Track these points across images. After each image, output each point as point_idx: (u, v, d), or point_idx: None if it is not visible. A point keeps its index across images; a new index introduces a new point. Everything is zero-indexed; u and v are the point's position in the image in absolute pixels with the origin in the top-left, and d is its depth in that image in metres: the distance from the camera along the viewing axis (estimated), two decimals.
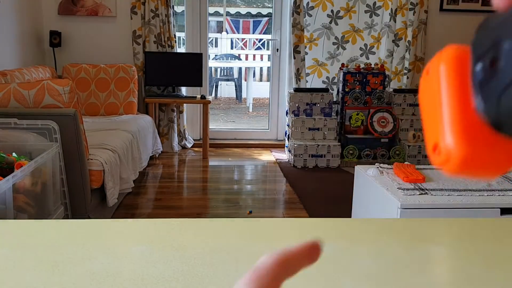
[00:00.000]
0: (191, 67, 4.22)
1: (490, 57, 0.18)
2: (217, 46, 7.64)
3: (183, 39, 4.66)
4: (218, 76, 7.65)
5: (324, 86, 4.49)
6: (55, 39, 4.10)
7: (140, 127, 3.54)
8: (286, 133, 4.37)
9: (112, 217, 2.72)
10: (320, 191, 3.35)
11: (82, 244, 0.70)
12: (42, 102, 2.28)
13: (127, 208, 2.95)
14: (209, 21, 4.61)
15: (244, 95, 7.57)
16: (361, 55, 4.51)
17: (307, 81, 4.47)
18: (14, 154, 1.97)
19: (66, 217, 2.32)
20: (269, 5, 6.91)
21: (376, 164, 2.15)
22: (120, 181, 2.78)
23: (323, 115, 4.08)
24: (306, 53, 4.42)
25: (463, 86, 0.20)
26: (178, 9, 4.61)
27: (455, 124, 0.19)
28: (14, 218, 1.78)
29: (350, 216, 2.33)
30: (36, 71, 3.49)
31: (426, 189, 1.83)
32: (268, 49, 6.72)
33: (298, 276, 0.62)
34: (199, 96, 4.19)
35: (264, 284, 0.26)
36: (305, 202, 3.10)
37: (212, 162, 4.13)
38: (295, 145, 3.93)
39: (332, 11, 4.41)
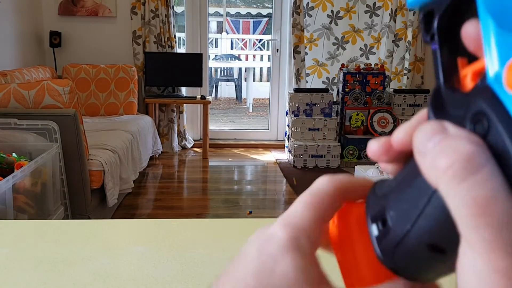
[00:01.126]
0: (191, 68, 4.22)
1: (381, 220, 0.23)
2: (217, 47, 7.65)
3: (183, 39, 4.66)
4: (218, 77, 7.65)
5: (324, 86, 4.49)
6: (55, 39, 4.10)
7: (140, 127, 3.54)
8: (286, 134, 4.37)
9: (112, 217, 2.72)
10: None
11: (82, 244, 0.70)
12: (42, 102, 2.28)
13: (127, 208, 2.95)
14: (209, 22, 4.61)
15: (244, 95, 7.57)
16: (361, 55, 4.51)
17: (307, 82, 4.47)
18: (14, 154, 1.97)
19: (66, 217, 2.32)
20: (269, 6, 6.91)
21: (376, 164, 2.15)
22: (120, 182, 2.78)
23: (323, 116, 4.08)
24: (306, 54, 4.42)
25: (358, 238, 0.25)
26: (178, 9, 4.61)
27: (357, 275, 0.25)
28: (14, 219, 1.78)
29: None
30: (36, 71, 3.49)
31: None
32: (268, 49, 6.73)
33: None
34: (199, 96, 4.19)
35: (322, 208, 0.25)
36: None
37: (212, 162, 4.13)
38: (295, 146, 3.93)
39: (332, 11, 4.41)
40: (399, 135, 0.22)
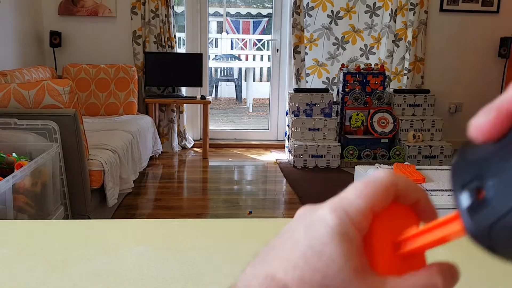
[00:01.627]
0: (191, 68, 4.22)
1: (474, 188, 0.21)
2: (217, 47, 7.64)
3: (183, 39, 4.66)
4: (218, 77, 7.65)
5: (324, 86, 4.49)
6: (55, 39, 4.10)
7: (140, 127, 3.54)
8: (286, 134, 4.37)
9: (112, 218, 2.72)
10: (320, 191, 3.35)
11: (82, 244, 0.70)
12: (42, 102, 2.28)
13: (127, 208, 2.94)
14: (209, 22, 4.61)
15: (244, 95, 7.57)
16: (361, 55, 4.51)
17: (307, 82, 4.47)
18: (14, 154, 1.97)
19: (66, 217, 2.32)
20: (269, 6, 6.91)
21: (376, 164, 2.15)
22: (120, 181, 2.78)
23: (323, 116, 4.08)
24: (306, 54, 4.42)
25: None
26: (178, 9, 4.61)
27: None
28: (14, 218, 1.78)
29: None
30: (36, 71, 3.49)
31: (426, 189, 1.83)
32: (268, 49, 6.72)
33: None
34: (199, 96, 4.19)
35: (374, 199, 0.25)
36: (305, 202, 3.10)
37: (212, 162, 4.13)
38: (295, 146, 3.93)
39: (332, 11, 4.41)
40: None
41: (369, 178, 0.26)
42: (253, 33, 7.73)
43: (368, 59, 4.50)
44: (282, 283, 0.25)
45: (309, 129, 4.06)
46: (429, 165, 3.79)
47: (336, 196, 0.27)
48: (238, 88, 7.47)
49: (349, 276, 0.24)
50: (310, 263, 0.24)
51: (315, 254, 0.24)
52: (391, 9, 4.35)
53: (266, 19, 7.49)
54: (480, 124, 0.22)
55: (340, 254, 0.24)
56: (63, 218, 2.28)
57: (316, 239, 0.25)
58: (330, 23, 4.43)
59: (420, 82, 4.50)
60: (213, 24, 7.77)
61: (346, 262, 0.24)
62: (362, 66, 4.21)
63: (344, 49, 4.48)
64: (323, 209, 0.26)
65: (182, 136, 4.48)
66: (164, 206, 3.01)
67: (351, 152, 4.02)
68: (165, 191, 3.31)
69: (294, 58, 4.32)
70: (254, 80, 7.65)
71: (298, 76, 4.34)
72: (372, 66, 4.21)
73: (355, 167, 2.44)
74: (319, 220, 0.25)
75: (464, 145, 0.23)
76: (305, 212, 0.28)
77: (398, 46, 4.42)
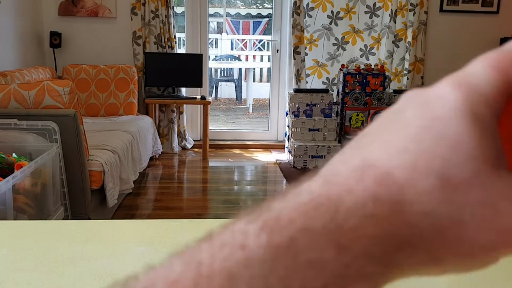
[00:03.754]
0: (191, 68, 4.22)
1: None
2: (217, 47, 7.65)
3: (183, 40, 4.66)
4: (218, 77, 7.66)
5: (324, 87, 4.49)
6: (55, 40, 4.10)
7: (140, 127, 3.54)
8: (286, 134, 4.37)
9: (112, 218, 2.72)
10: None
11: (82, 245, 0.70)
12: (42, 102, 2.28)
13: (127, 208, 2.94)
14: (209, 22, 4.61)
15: (244, 96, 7.57)
16: (361, 56, 4.51)
17: (307, 82, 4.47)
18: (14, 154, 1.97)
19: (66, 217, 2.32)
20: (269, 6, 6.91)
21: None
22: (120, 182, 2.78)
23: (323, 116, 4.08)
24: (306, 54, 4.42)
25: None
26: (178, 10, 4.61)
27: None
28: (14, 219, 1.78)
29: None
30: (36, 71, 3.49)
31: None
32: (268, 50, 6.72)
33: None
34: (199, 96, 4.19)
35: (510, 73, 0.19)
36: None
37: (212, 162, 4.13)
38: (295, 146, 3.93)
39: (332, 12, 4.41)
40: None
41: (501, 48, 0.20)
42: (253, 34, 7.73)
43: (368, 59, 4.50)
44: (384, 171, 0.18)
45: (309, 130, 4.06)
46: None
47: (458, 71, 0.21)
48: (238, 89, 7.48)
49: (482, 169, 0.18)
50: (426, 147, 0.18)
51: (434, 137, 0.18)
52: (391, 9, 4.35)
53: (266, 19, 7.49)
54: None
55: (470, 139, 0.18)
56: (63, 219, 2.28)
57: (434, 119, 0.19)
58: (330, 23, 4.43)
59: (420, 82, 4.50)
60: (213, 25, 7.77)
61: (479, 149, 0.18)
62: (362, 66, 4.21)
63: (344, 49, 4.48)
64: (439, 86, 0.20)
65: (182, 136, 4.48)
66: (164, 207, 3.01)
67: None
68: (165, 192, 3.30)
69: (294, 59, 4.32)
70: (254, 81, 7.66)
71: (298, 76, 4.34)
72: (372, 66, 4.21)
73: None
74: (437, 98, 0.19)
75: None
76: (414, 92, 0.21)
77: (398, 47, 4.42)
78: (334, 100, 4.19)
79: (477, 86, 0.19)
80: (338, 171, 0.20)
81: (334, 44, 4.47)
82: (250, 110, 7.18)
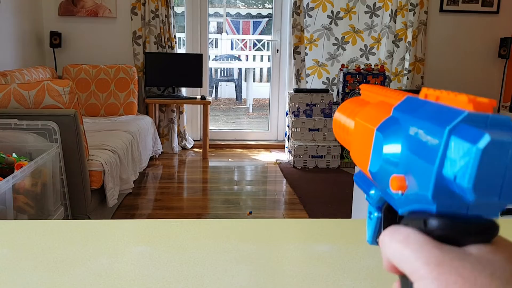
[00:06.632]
0: (191, 68, 4.22)
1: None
2: (217, 47, 7.64)
3: (183, 39, 4.66)
4: (218, 77, 7.66)
5: (324, 86, 4.49)
6: (55, 39, 4.10)
7: (140, 127, 3.54)
8: (286, 134, 4.37)
9: (112, 218, 2.72)
10: (320, 191, 3.35)
11: (82, 245, 0.70)
12: (42, 102, 2.28)
13: (127, 208, 2.94)
14: (209, 22, 4.61)
15: (244, 95, 7.57)
16: (361, 56, 4.51)
17: (307, 82, 4.47)
18: (14, 154, 1.97)
19: (66, 217, 2.32)
20: (269, 6, 6.91)
21: None
22: (120, 182, 2.78)
23: (323, 116, 4.08)
24: (306, 54, 4.42)
25: None
26: (178, 9, 4.61)
27: None
28: (14, 219, 1.78)
29: (350, 217, 2.33)
30: (36, 71, 3.49)
31: None
32: (268, 50, 6.72)
33: (297, 276, 0.62)
34: (199, 96, 4.19)
35: None
36: (305, 202, 3.10)
37: (212, 162, 4.13)
38: (295, 146, 3.93)
39: (332, 12, 4.41)
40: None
41: None
42: (253, 34, 7.73)
43: (368, 59, 4.51)
44: None
45: (309, 130, 4.06)
46: None
47: None
48: (238, 89, 7.48)
49: None
50: None
51: None
52: (391, 9, 4.35)
53: (266, 19, 7.49)
54: None
55: None
56: (63, 219, 2.28)
57: None
58: (330, 23, 4.43)
59: (420, 82, 4.50)
60: (213, 25, 7.77)
61: None
62: (362, 66, 4.21)
63: (344, 49, 4.48)
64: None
65: (182, 136, 4.48)
66: (164, 207, 3.01)
67: None
68: (165, 192, 3.31)
69: (294, 59, 4.32)
70: (254, 81, 7.66)
71: (298, 76, 4.34)
72: (372, 66, 4.21)
73: (355, 167, 2.44)
74: None
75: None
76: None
77: (398, 47, 4.42)
78: (334, 100, 4.19)
79: None
80: None
81: (334, 44, 4.47)
82: (250, 110, 7.18)
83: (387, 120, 0.27)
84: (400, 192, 0.25)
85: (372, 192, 0.31)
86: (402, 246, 0.23)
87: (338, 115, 0.37)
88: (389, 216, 0.30)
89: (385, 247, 0.25)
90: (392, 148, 0.26)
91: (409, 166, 0.24)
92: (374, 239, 0.31)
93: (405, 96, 0.28)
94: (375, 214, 0.30)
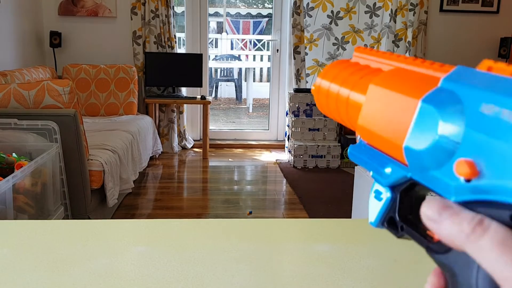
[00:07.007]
0: (191, 68, 4.22)
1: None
2: (217, 47, 7.65)
3: (183, 39, 4.66)
4: (218, 77, 7.66)
5: None
6: (55, 39, 4.10)
7: (140, 127, 3.54)
8: (286, 134, 4.37)
9: (112, 218, 2.72)
10: (320, 191, 3.35)
11: (82, 245, 0.70)
12: (42, 102, 2.28)
13: (127, 208, 2.95)
14: (209, 22, 4.61)
15: (244, 95, 7.57)
16: None
17: (307, 82, 4.47)
18: (14, 154, 1.97)
19: (66, 217, 2.32)
20: (269, 6, 6.91)
21: None
22: (120, 182, 2.78)
23: (323, 116, 4.08)
24: (306, 54, 4.42)
25: None
26: (178, 9, 4.61)
27: None
28: (14, 219, 1.78)
29: (350, 217, 2.33)
30: (36, 71, 3.49)
31: None
32: (268, 49, 6.72)
33: (297, 276, 0.62)
34: (199, 96, 4.19)
35: None
36: (305, 202, 3.10)
37: (212, 162, 4.13)
38: (295, 146, 3.93)
39: (332, 11, 4.41)
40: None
41: None
42: (253, 34, 7.73)
43: None
44: None
45: (309, 129, 4.06)
46: None
47: None
48: (238, 88, 7.48)
49: None
50: None
51: None
52: (391, 9, 4.35)
53: (266, 19, 7.49)
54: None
55: None
56: (63, 218, 2.28)
57: None
58: (330, 23, 4.43)
59: None
60: (213, 24, 7.77)
61: None
62: None
63: (344, 49, 4.48)
64: None
65: (182, 136, 4.49)
66: (164, 206, 3.01)
67: None
68: (165, 191, 3.31)
69: (294, 58, 4.32)
70: (254, 80, 7.66)
71: (298, 76, 4.34)
72: None
73: (355, 167, 2.44)
74: None
75: None
76: None
77: (398, 47, 4.42)
78: None
79: None
80: None
81: (334, 44, 4.47)
82: (250, 110, 7.18)
83: (436, 92, 0.24)
84: (463, 178, 0.22)
85: (388, 170, 0.27)
86: (500, 250, 0.19)
87: (324, 83, 0.32)
88: (405, 198, 0.27)
89: (470, 244, 0.21)
90: (453, 128, 0.22)
91: (481, 151, 0.21)
92: (381, 222, 0.28)
93: (455, 67, 0.25)
94: (388, 194, 0.27)
